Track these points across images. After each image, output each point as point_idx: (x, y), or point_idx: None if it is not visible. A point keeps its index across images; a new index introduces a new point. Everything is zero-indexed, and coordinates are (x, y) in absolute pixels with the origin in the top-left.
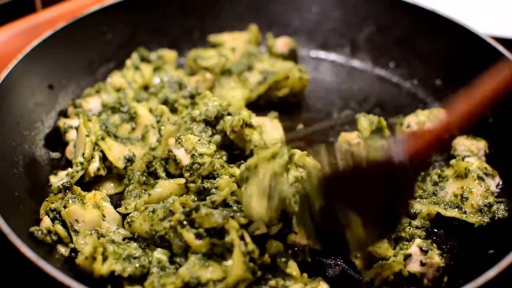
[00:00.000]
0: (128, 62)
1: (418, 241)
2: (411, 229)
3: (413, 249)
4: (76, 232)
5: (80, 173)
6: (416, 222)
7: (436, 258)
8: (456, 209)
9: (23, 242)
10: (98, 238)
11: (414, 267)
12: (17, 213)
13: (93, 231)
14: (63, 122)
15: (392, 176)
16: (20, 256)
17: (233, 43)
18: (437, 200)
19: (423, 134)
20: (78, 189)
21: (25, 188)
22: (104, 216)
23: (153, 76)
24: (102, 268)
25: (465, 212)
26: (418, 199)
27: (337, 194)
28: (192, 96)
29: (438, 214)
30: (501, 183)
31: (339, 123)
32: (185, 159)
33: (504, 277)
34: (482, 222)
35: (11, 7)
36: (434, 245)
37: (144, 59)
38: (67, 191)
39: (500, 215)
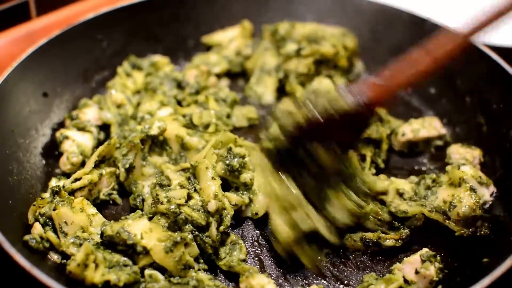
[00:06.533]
0: (120, 70)
1: (424, 250)
2: (402, 230)
3: (415, 257)
4: (65, 234)
5: None
6: (407, 223)
7: (431, 270)
8: (441, 215)
9: (17, 251)
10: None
11: (409, 273)
12: (10, 222)
13: (81, 235)
14: (60, 133)
15: (355, 120)
16: (13, 264)
17: (229, 43)
18: (424, 203)
19: (376, 86)
20: (65, 194)
21: (20, 197)
22: (90, 221)
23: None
24: (94, 276)
25: (449, 218)
26: (407, 201)
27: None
28: (197, 92)
29: (435, 221)
30: (495, 191)
31: None
32: None
33: (498, 286)
34: (462, 231)
35: (6, 14)
36: (438, 258)
37: (135, 66)
38: (55, 195)
39: (482, 232)
